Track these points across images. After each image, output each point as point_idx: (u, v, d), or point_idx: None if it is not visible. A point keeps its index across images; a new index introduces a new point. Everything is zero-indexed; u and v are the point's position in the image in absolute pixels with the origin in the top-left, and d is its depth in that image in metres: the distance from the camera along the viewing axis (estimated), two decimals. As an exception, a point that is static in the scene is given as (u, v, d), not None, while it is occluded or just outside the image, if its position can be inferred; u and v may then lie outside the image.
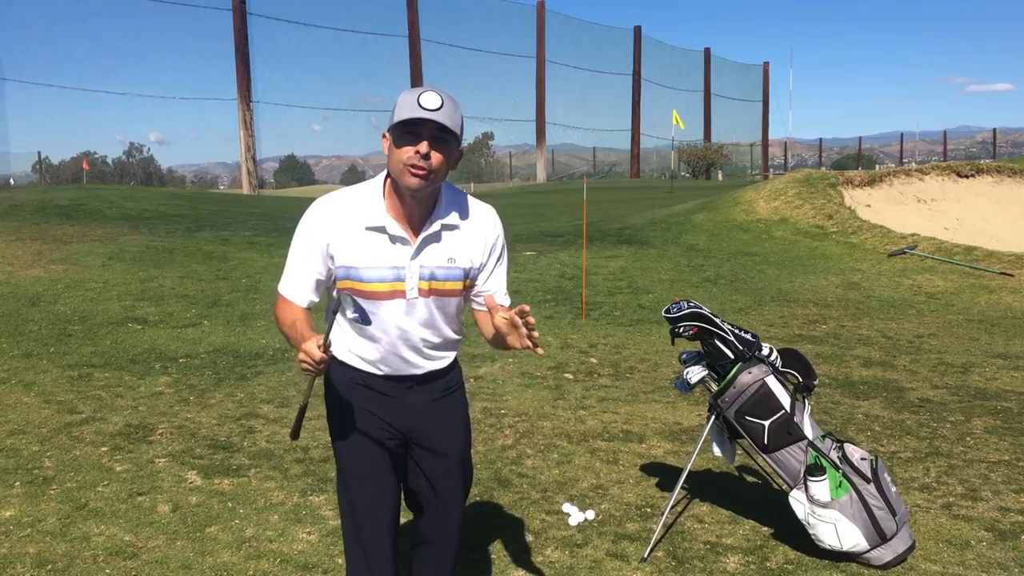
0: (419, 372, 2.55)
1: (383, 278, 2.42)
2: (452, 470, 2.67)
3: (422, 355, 2.54)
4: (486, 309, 2.49)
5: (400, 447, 2.61)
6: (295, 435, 2.52)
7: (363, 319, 2.31)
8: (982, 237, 12.97)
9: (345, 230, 2.41)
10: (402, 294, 2.43)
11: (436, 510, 2.70)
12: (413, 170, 2.31)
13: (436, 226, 2.44)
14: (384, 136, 2.40)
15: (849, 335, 8.20)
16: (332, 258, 2.43)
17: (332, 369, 2.60)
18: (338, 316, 2.47)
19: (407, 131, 2.30)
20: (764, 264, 11.54)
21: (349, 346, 2.54)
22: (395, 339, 2.48)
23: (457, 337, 2.61)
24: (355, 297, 2.41)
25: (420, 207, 2.41)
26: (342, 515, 2.67)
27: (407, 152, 2.31)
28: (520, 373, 6.62)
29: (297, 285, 2.48)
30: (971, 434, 5.29)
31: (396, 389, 2.55)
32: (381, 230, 2.41)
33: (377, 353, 2.51)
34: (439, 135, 2.30)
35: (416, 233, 2.43)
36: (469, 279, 2.51)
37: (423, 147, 2.29)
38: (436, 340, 2.54)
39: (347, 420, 2.56)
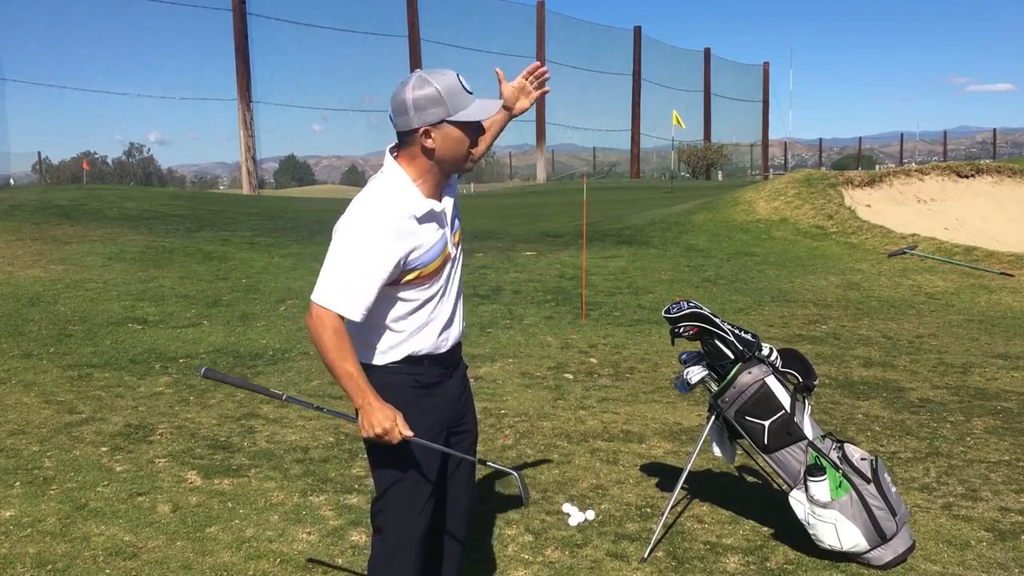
0: (456, 341, 2.68)
1: (440, 251, 2.54)
2: (470, 451, 2.79)
3: (461, 312, 2.71)
4: None
5: (445, 442, 2.69)
6: (205, 373, 2.69)
7: None
8: (982, 237, 12.96)
9: (407, 231, 2.44)
10: (449, 254, 2.59)
11: (454, 494, 2.78)
12: (472, 158, 2.52)
13: (450, 184, 2.62)
14: (429, 130, 2.39)
15: (849, 335, 8.20)
16: (403, 260, 2.43)
17: (380, 380, 2.52)
18: (390, 318, 2.51)
19: (477, 126, 2.48)
20: (764, 264, 11.54)
21: (404, 339, 2.54)
22: (453, 298, 2.64)
23: None
24: (424, 283, 2.51)
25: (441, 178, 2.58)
26: (378, 517, 2.63)
27: (472, 144, 2.48)
28: (520, 373, 6.62)
29: (358, 298, 2.38)
30: (971, 434, 5.29)
31: (442, 377, 2.64)
32: (430, 215, 2.50)
33: (439, 326, 2.59)
34: None
35: (439, 199, 2.57)
36: None
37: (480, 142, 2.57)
38: (461, 293, 2.73)
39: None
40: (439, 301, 2.58)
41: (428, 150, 2.42)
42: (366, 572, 2.78)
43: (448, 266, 2.59)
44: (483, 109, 2.43)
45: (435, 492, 2.65)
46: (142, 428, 5.14)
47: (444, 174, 2.51)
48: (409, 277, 2.48)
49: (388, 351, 2.55)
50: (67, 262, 10.01)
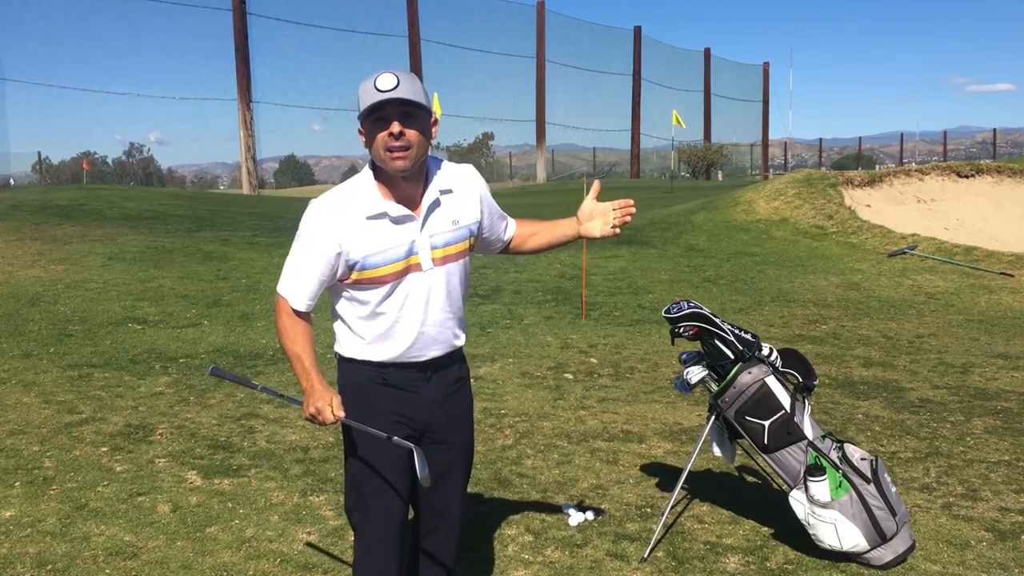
0: (443, 352, 2.60)
1: (396, 258, 2.47)
2: (458, 462, 2.73)
3: (447, 328, 2.60)
4: (520, 232, 2.82)
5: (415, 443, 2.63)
6: (213, 371, 2.75)
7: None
8: (982, 237, 12.97)
9: (348, 225, 2.45)
10: (417, 267, 2.50)
11: (441, 503, 2.73)
12: (393, 153, 2.38)
13: (434, 194, 2.52)
14: (360, 132, 2.46)
15: (849, 335, 8.20)
16: (340, 255, 2.45)
17: (347, 372, 2.60)
18: (351, 316, 2.52)
19: (375, 118, 2.38)
20: (764, 264, 11.54)
21: (369, 343, 2.54)
22: (421, 316, 2.53)
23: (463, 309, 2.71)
24: (373, 286, 2.46)
25: (413, 184, 2.49)
26: (353, 514, 2.66)
27: (381, 137, 2.38)
28: (520, 373, 6.62)
29: (299, 287, 2.50)
30: (971, 434, 5.29)
31: (416, 381, 2.59)
32: (382, 216, 2.46)
33: (407, 339, 2.53)
34: (405, 111, 2.37)
35: (417, 208, 2.50)
36: (472, 236, 2.63)
37: (394, 128, 2.36)
38: (455, 311, 2.61)
39: (365, 422, 2.56)
40: (402, 310, 2.51)
41: (368, 149, 2.47)
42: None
43: (418, 278, 2.50)
44: (364, 101, 2.36)
45: (404, 487, 2.63)
46: (142, 428, 5.14)
47: (398, 178, 2.44)
48: (358, 276, 2.47)
49: (353, 349, 2.57)
50: (67, 262, 10.01)
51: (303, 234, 2.49)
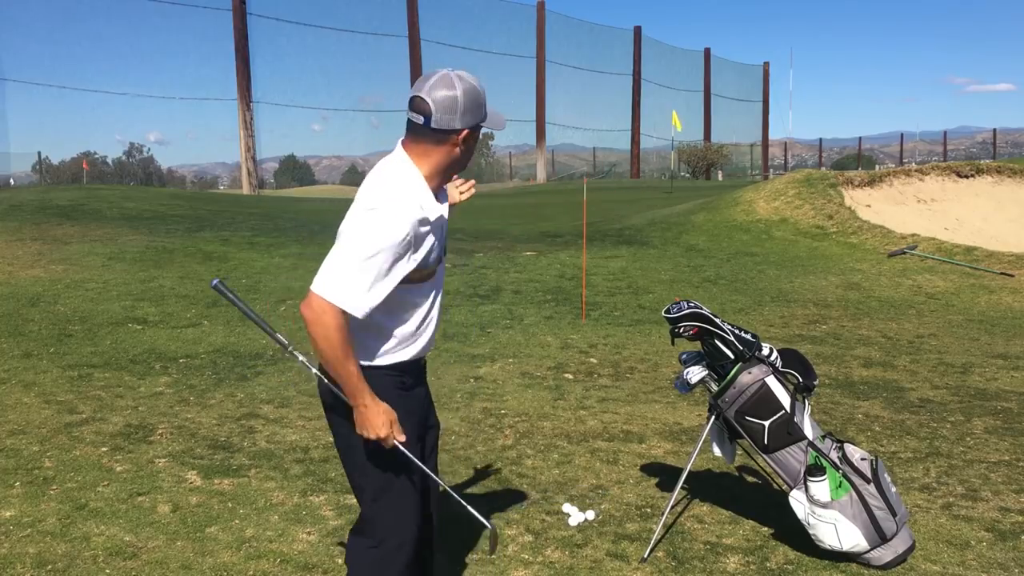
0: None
1: (439, 254, 2.58)
2: (436, 442, 2.88)
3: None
4: None
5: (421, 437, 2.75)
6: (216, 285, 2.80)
7: None
8: (982, 237, 12.97)
9: (423, 231, 2.44)
10: (438, 261, 2.61)
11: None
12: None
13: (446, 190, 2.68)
14: (464, 132, 2.43)
15: (849, 335, 8.20)
16: (412, 261, 2.42)
17: (370, 380, 2.49)
18: (388, 317, 2.50)
19: (480, 131, 2.52)
20: (764, 264, 11.53)
21: (400, 342, 2.55)
22: (439, 310, 2.67)
23: None
24: (417, 283, 2.50)
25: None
26: (383, 528, 2.62)
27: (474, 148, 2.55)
28: (520, 373, 6.62)
29: (367, 299, 2.29)
30: (971, 434, 5.29)
31: (420, 377, 2.71)
32: (441, 217, 2.54)
33: (430, 332, 2.63)
34: None
35: (444, 205, 2.60)
36: None
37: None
38: None
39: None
40: (431, 305, 2.61)
41: (458, 152, 2.46)
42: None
43: (439, 272, 2.63)
44: (499, 120, 2.53)
45: (425, 492, 2.70)
46: (142, 428, 5.14)
47: (448, 176, 2.55)
48: (418, 274, 2.48)
49: (382, 355, 2.55)
50: (67, 262, 10.00)
51: (383, 244, 2.28)
